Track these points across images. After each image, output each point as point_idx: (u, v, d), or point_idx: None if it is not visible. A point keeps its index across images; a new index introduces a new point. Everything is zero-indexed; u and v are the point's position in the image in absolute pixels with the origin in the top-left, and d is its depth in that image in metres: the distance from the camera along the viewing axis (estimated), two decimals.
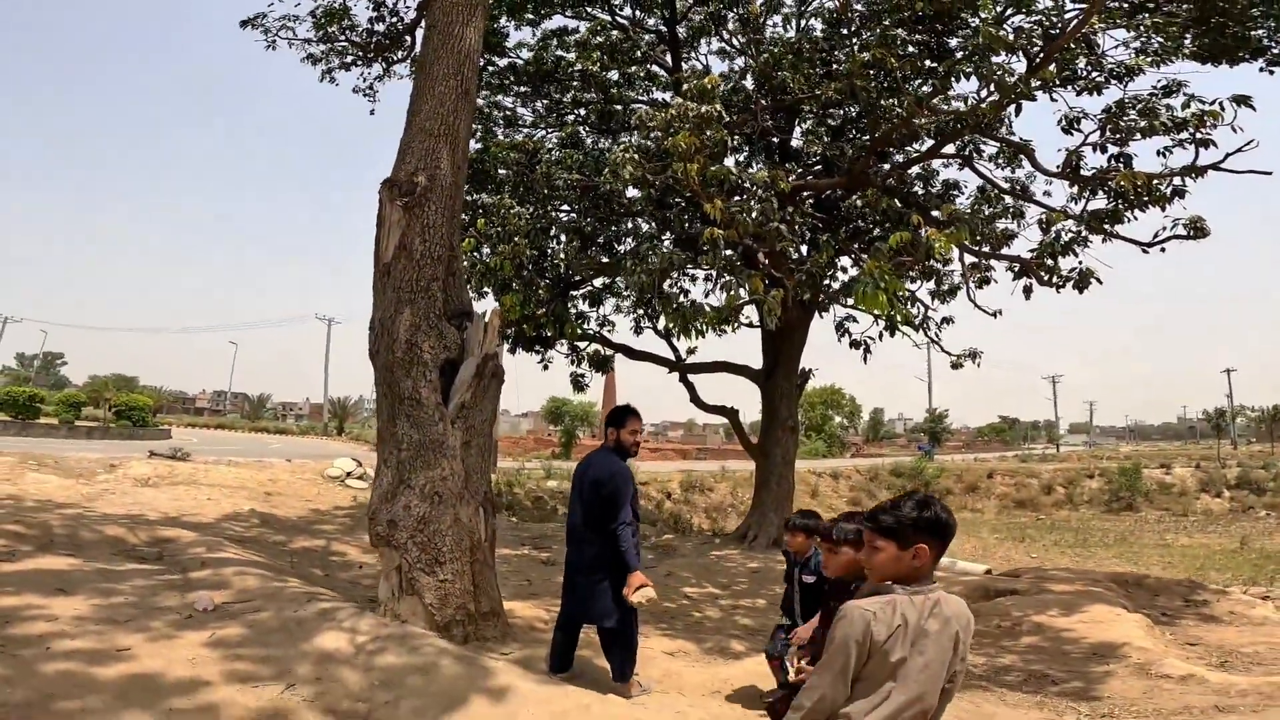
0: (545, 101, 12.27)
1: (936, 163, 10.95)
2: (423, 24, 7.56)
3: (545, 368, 12.16)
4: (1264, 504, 25.00)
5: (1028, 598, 7.18)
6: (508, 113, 12.49)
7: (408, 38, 10.52)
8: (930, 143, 9.72)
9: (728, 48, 11.81)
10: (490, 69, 11.74)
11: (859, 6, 9.26)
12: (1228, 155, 7.86)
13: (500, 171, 10.57)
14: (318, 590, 4.66)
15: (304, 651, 3.46)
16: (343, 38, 10.90)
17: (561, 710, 3.15)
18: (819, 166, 11.05)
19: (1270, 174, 8.19)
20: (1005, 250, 9.57)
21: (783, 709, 2.60)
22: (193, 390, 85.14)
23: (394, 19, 10.79)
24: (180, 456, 14.45)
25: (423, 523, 4.43)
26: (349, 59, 11.19)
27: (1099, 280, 8.62)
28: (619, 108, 11.79)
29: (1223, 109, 7.51)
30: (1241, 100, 7.38)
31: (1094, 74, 8.52)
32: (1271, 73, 8.46)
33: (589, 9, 11.79)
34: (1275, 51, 8.20)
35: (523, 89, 12.12)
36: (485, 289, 10.10)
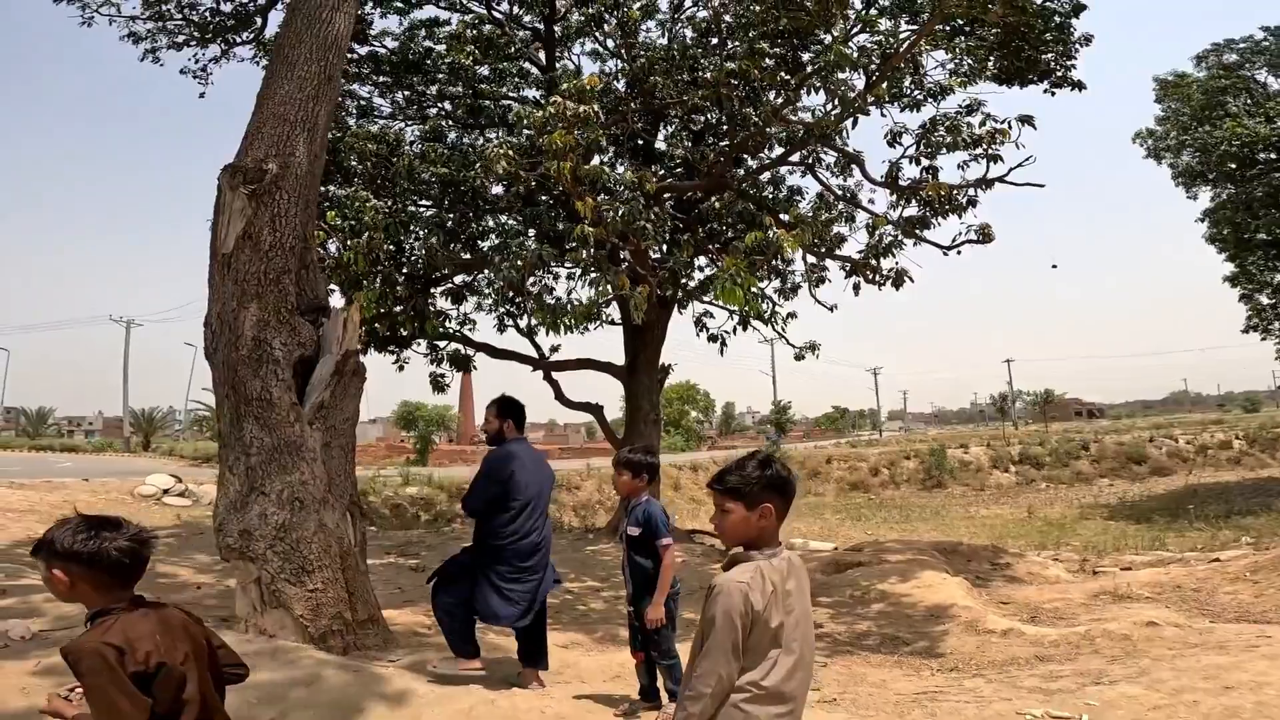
0: (406, 93, 11.74)
1: (784, 169, 11.83)
2: (281, 6, 7.02)
3: (401, 368, 11.60)
4: (1043, 476, 28.78)
5: (871, 569, 7.97)
6: (362, 102, 11.80)
7: (258, 19, 9.73)
8: (780, 150, 10.53)
9: (602, 50, 11.93)
10: (350, 56, 11.03)
11: (728, 18, 9.80)
12: (1011, 169, 9.10)
13: (354, 163, 9.93)
14: None
15: None
16: (179, 16, 10.04)
17: (466, 707, 3.10)
18: (680, 169, 11.52)
19: (1044, 186, 9.83)
20: (839, 252, 10.57)
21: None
22: None
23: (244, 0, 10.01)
24: None
25: (283, 530, 4.12)
26: (181, 39, 10.31)
27: (911, 279, 9.84)
28: (488, 103, 11.53)
29: (1010, 127, 8.72)
30: (1025, 119, 8.70)
31: (916, 92, 9.63)
32: (1053, 94, 10.14)
33: (464, 1, 11.46)
34: (1058, 74, 9.86)
35: (383, 79, 11.53)
36: (332, 286, 9.44)
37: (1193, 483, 23.43)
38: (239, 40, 10.57)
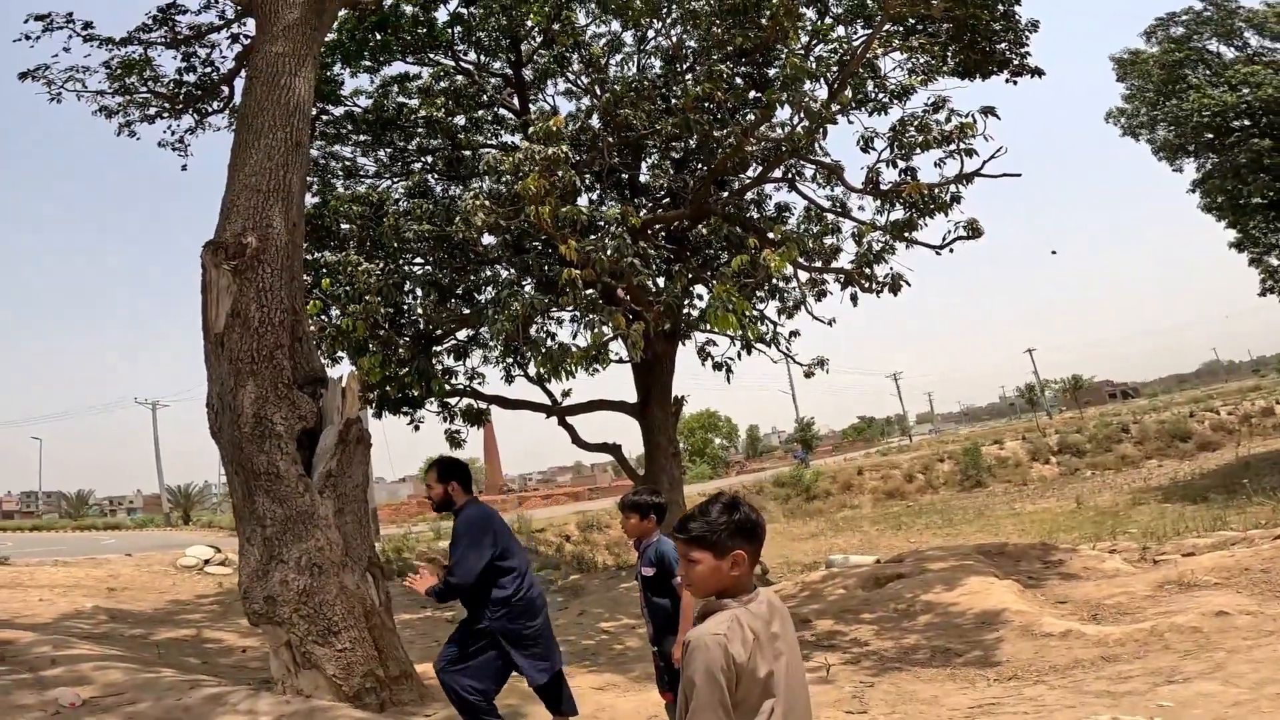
0: (388, 150, 11.95)
1: (768, 187, 11.87)
2: (244, 74, 7.19)
3: (416, 428, 11.63)
4: (1086, 464, 27.82)
5: (914, 579, 7.73)
6: (347, 163, 12.01)
7: (225, 88, 9.94)
8: (759, 169, 10.60)
9: (574, 88, 12.13)
10: (325, 118, 11.27)
11: (691, 43, 9.98)
12: (985, 162, 9.10)
13: (343, 226, 10.12)
14: (199, 677, 4.25)
15: None
16: (144, 89, 10.06)
17: None
18: (666, 199, 11.61)
19: (1020, 175, 9.76)
20: (834, 264, 10.54)
21: None
22: None
23: (208, 70, 10.14)
24: None
25: (306, 595, 4.19)
26: (152, 111, 10.32)
27: (908, 283, 9.74)
28: (468, 153, 11.73)
29: (974, 120, 8.78)
30: (988, 111, 8.78)
31: (880, 95, 9.70)
32: (1015, 83, 10.16)
33: (430, 55, 11.70)
34: (1015, 64, 9.90)
35: (362, 138, 11.73)
36: (339, 353, 9.56)
37: (1243, 455, 22.52)
38: (210, 110, 10.52)
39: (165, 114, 10.38)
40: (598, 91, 10.70)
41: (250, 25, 8.46)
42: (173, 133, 10.79)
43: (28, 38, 9.22)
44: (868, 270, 9.52)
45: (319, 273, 9.47)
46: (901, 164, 9.48)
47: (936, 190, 9.11)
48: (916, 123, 9.14)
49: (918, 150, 9.21)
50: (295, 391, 4.68)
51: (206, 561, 12.95)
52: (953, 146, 8.87)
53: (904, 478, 30.03)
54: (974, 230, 9.20)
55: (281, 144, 4.99)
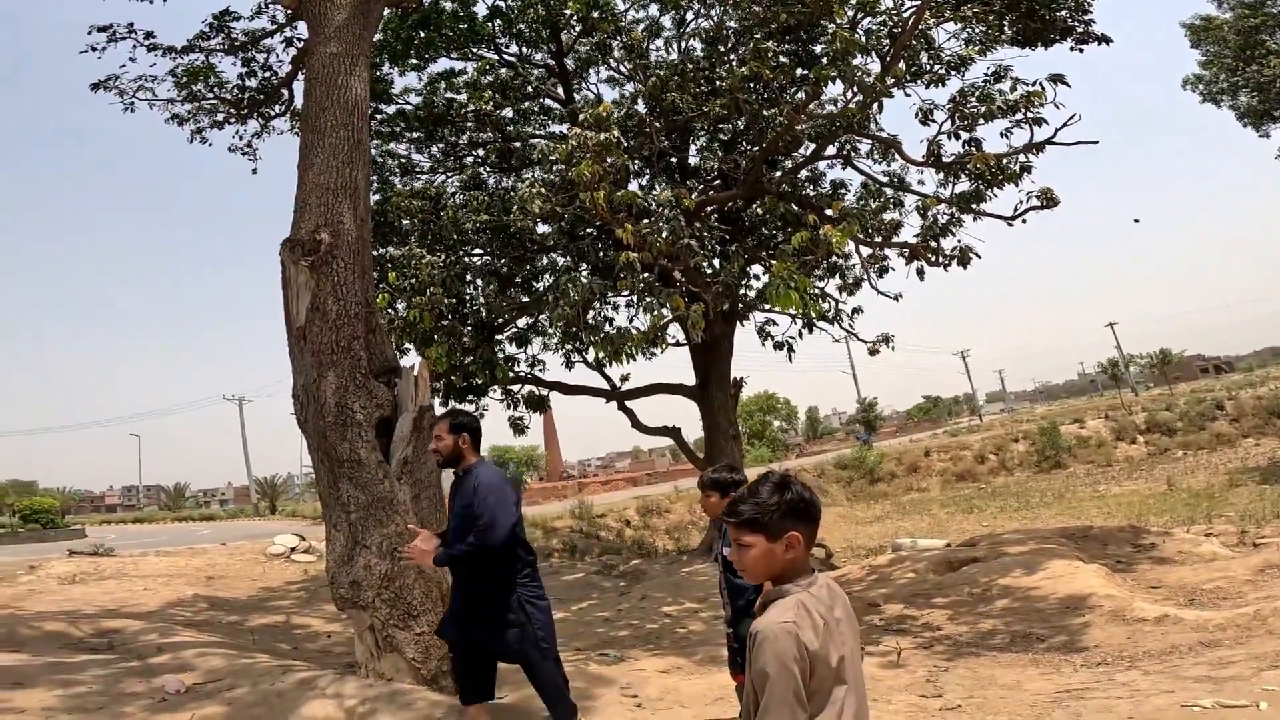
0: (441, 145, 12.24)
1: (822, 164, 11.65)
2: (301, 77, 7.38)
3: (481, 416, 11.98)
4: (1178, 444, 26.18)
5: (990, 563, 7.54)
6: (403, 160, 12.36)
7: (284, 91, 10.15)
8: (812, 146, 10.38)
9: (616, 75, 12.16)
10: (379, 117, 11.59)
11: (732, 24, 9.83)
12: (1057, 130, 8.78)
13: (404, 221, 10.42)
14: (290, 662, 4.52)
15: None
16: (210, 95, 10.34)
17: None
18: (718, 181, 11.52)
19: (1097, 143, 9.26)
20: (895, 239, 10.25)
21: None
22: (99, 488, 78.62)
23: (267, 74, 10.41)
24: (103, 552, 13.63)
25: (387, 580, 4.34)
26: (220, 117, 10.62)
27: (978, 255, 9.45)
28: (518, 144, 11.90)
29: (1043, 89, 8.44)
30: (1057, 79, 8.41)
31: (936, 67, 9.42)
32: (1081, 50, 9.59)
33: (474, 49, 11.89)
34: (1079, 31, 9.33)
35: (415, 135, 12.03)
36: (406, 344, 9.89)
37: None
38: (273, 114, 10.76)
39: (232, 119, 10.68)
40: (640, 77, 10.67)
41: (302, 29, 8.67)
42: (240, 137, 11.14)
43: (94, 49, 9.44)
44: (934, 244, 9.24)
45: (384, 267, 9.83)
46: (964, 135, 9.23)
47: (1005, 160, 8.79)
48: (978, 93, 8.93)
49: (981, 121, 8.98)
50: (372, 381, 4.86)
51: (292, 550, 13.66)
52: (1019, 116, 8.65)
53: (975, 459, 29.05)
54: (1048, 199, 8.81)
55: (344, 142, 5.14)
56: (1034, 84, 8.63)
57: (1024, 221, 9.38)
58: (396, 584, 4.35)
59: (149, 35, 9.77)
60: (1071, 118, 8.64)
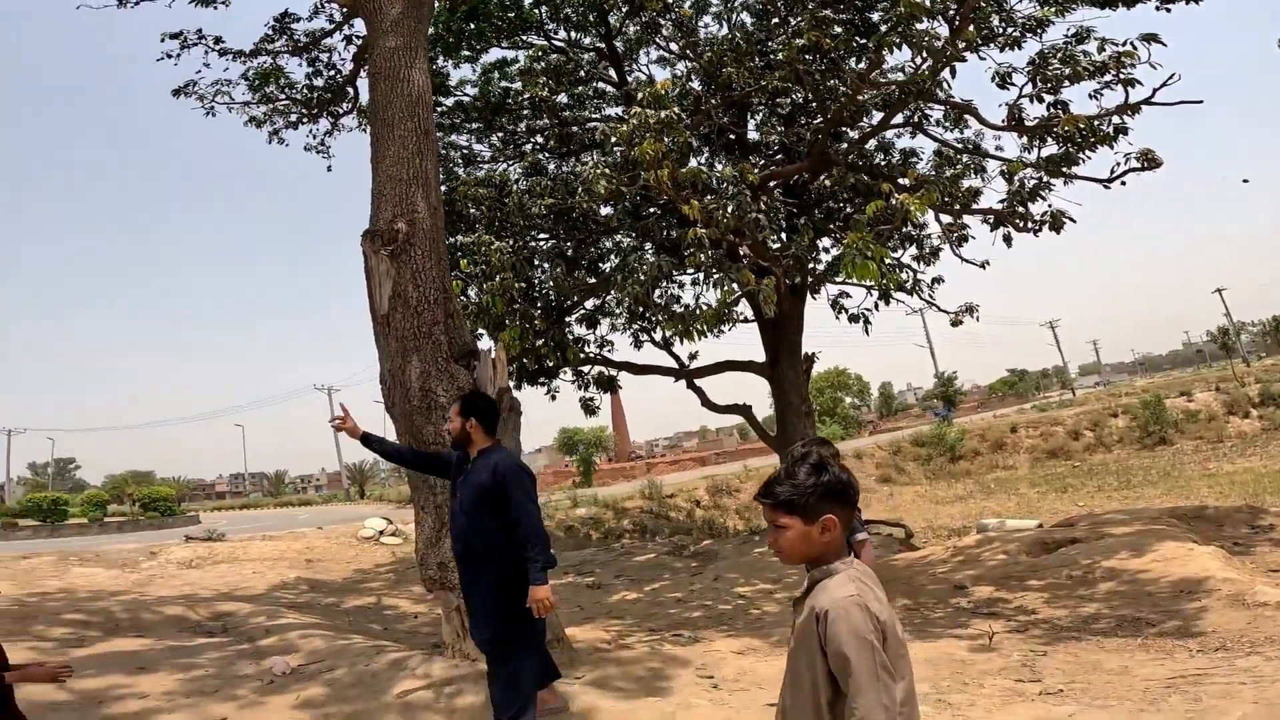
0: (500, 134, 12.44)
1: (890, 133, 11.18)
2: (363, 74, 7.54)
3: (553, 398, 12.21)
4: None
5: (1091, 544, 7.19)
6: (464, 151, 12.63)
7: (350, 89, 10.48)
8: (879, 116, 9.95)
9: (667, 54, 12.03)
10: (439, 110, 11.91)
11: None
12: (1155, 90, 8.18)
13: (471, 210, 10.68)
14: (382, 643, 4.77)
15: (386, 703, 3.54)
16: (283, 96, 10.70)
17: None
18: (780, 155, 11.23)
19: (1201, 102, 8.42)
20: (975, 206, 9.75)
21: None
22: (209, 476, 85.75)
23: (331, 72, 10.75)
24: (216, 538, 14.79)
25: None
26: (293, 117, 11.02)
27: (1072, 219, 8.89)
28: (575, 129, 11.96)
29: (1134, 48, 7.83)
30: (1150, 38, 7.75)
31: (1009, 29, 8.88)
32: (1168, 10, 8.73)
33: (523, 37, 11.98)
34: None
35: (475, 125, 12.26)
36: (480, 329, 10.20)
37: None
38: (341, 111, 11.06)
39: (304, 119, 11.08)
40: (692, 55, 10.47)
41: (360, 26, 8.87)
42: (314, 136, 11.55)
43: (169, 56, 9.86)
44: (1021, 209, 8.68)
45: (456, 255, 10.13)
46: (1048, 98, 8.69)
47: (1096, 123, 8.18)
48: (1059, 55, 8.36)
49: (1066, 83, 8.43)
50: (453, 365, 5.04)
51: (381, 533, 14.51)
52: (1109, 77, 8.05)
53: (1068, 435, 27.44)
54: (1149, 161, 8.18)
55: (412, 133, 5.29)
56: (1124, 44, 8.05)
57: (1123, 184, 8.74)
58: None
59: (218, 40, 10.18)
60: (1171, 77, 8.03)
